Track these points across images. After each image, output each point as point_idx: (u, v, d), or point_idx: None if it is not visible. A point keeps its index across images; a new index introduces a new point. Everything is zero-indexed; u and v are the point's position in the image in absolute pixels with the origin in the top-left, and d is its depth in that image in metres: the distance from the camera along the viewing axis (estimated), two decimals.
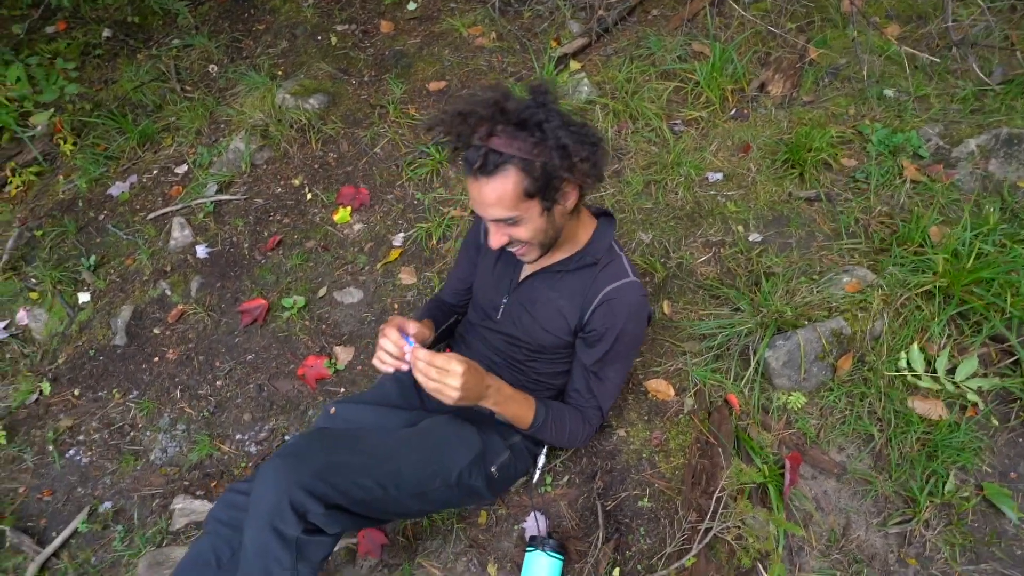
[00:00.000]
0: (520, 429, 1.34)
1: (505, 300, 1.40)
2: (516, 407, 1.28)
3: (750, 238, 1.92)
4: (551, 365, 1.41)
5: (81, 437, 1.81)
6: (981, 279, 1.60)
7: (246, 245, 2.23)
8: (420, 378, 1.13)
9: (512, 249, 1.23)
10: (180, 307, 2.08)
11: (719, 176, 2.08)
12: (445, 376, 1.10)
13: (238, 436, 1.78)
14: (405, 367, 1.17)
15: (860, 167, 2.05)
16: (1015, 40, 2.37)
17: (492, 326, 1.44)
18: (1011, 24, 2.43)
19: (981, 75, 2.24)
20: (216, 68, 2.90)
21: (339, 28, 2.95)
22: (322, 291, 2.07)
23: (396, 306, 1.99)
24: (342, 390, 1.83)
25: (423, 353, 1.13)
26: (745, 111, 2.29)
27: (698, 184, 2.07)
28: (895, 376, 1.52)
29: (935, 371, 1.52)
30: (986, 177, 1.97)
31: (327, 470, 1.13)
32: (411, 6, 2.97)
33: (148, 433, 1.80)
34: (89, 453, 1.78)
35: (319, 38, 2.91)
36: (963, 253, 1.66)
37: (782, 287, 1.68)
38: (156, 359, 1.97)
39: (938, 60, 2.20)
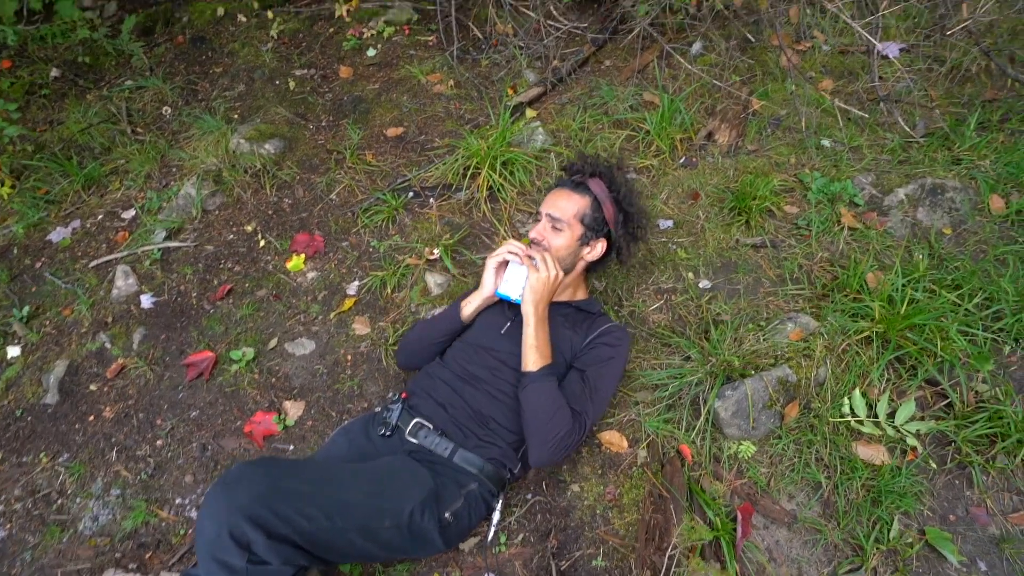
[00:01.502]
0: (527, 368, 1.43)
1: (510, 323, 1.57)
2: (546, 339, 1.47)
3: (700, 285, 1.96)
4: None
5: (0, 507, 1.68)
6: (914, 324, 1.67)
7: (194, 294, 2.16)
8: (533, 253, 1.51)
9: (532, 253, 1.54)
10: (120, 361, 1.98)
11: (670, 224, 2.14)
12: (546, 263, 1.48)
13: (178, 500, 1.69)
14: (527, 260, 1.50)
15: (802, 214, 2.14)
16: (934, 97, 2.56)
17: (487, 348, 1.54)
18: (929, 82, 2.62)
19: (906, 128, 2.40)
20: (170, 110, 2.85)
21: (298, 73, 2.95)
22: (273, 342, 2.01)
23: (349, 357, 1.95)
24: (291, 447, 1.76)
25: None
26: (694, 159, 2.38)
27: (650, 231, 2.12)
28: (839, 422, 1.56)
29: (876, 416, 1.57)
30: (915, 224, 2.08)
31: (269, 496, 1.08)
32: (370, 52, 3.00)
33: (78, 500, 1.68)
34: (8, 525, 1.65)
35: (277, 82, 2.91)
36: (897, 299, 1.73)
37: (730, 335, 1.71)
38: (91, 418, 1.86)
39: (867, 115, 2.34)
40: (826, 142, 2.41)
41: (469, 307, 1.62)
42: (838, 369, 1.65)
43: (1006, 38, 2.77)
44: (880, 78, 2.47)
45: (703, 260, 2.03)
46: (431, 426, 1.48)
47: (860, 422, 1.56)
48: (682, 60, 2.45)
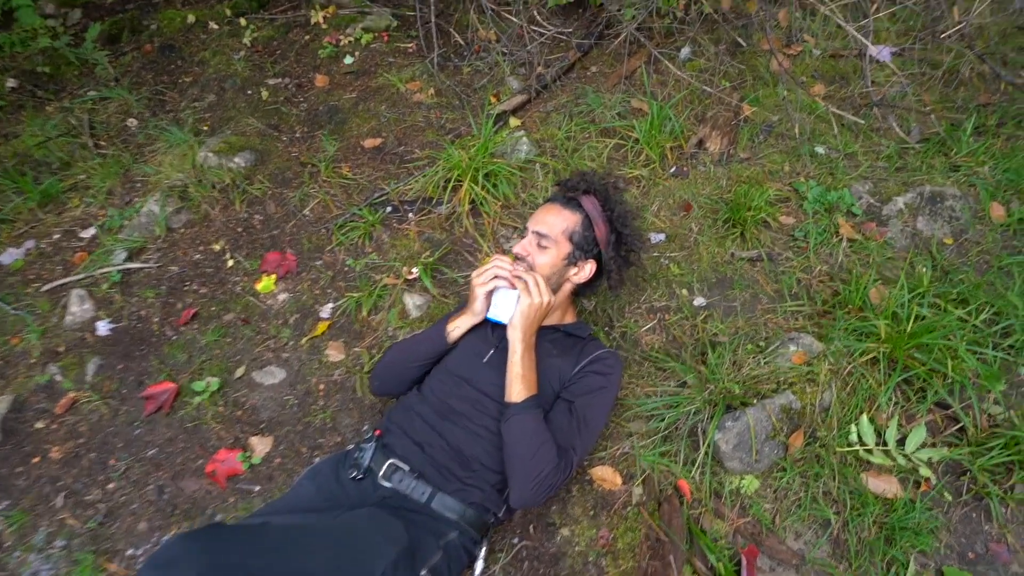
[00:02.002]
0: (511, 399, 1.30)
1: (494, 350, 1.43)
2: (532, 368, 1.34)
3: (695, 303, 1.84)
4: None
5: None
6: (921, 344, 1.56)
7: (156, 319, 2.00)
8: (523, 275, 1.37)
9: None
10: (72, 395, 1.81)
11: (661, 237, 2.02)
12: (538, 288, 1.35)
13: (130, 551, 1.52)
14: (516, 284, 1.37)
15: (799, 225, 2.03)
16: (927, 101, 2.47)
17: (467, 379, 1.41)
18: (922, 86, 2.53)
19: (901, 134, 2.30)
20: (136, 122, 2.69)
21: (271, 82, 2.80)
22: (240, 371, 1.85)
23: (322, 387, 1.80)
24: (257, 488, 1.61)
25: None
26: (685, 168, 2.26)
27: (644, 252, 2.00)
28: (847, 452, 1.44)
29: (885, 443, 1.45)
30: (915, 234, 1.98)
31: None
32: (348, 60, 2.86)
33: (16, 554, 1.51)
34: None
35: (249, 92, 2.75)
36: (902, 316, 1.62)
37: (728, 357, 1.59)
38: (36, 459, 1.69)
39: (862, 121, 2.24)
40: (820, 149, 2.31)
41: (457, 331, 1.47)
42: (843, 393, 1.53)
43: (996, 40, 2.69)
44: (873, 82, 2.38)
45: (697, 276, 1.91)
46: (407, 468, 1.34)
47: (869, 451, 1.44)
48: (671, 66, 2.34)
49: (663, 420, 1.51)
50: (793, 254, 1.97)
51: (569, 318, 1.58)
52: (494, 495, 1.34)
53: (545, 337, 1.47)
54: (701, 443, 1.44)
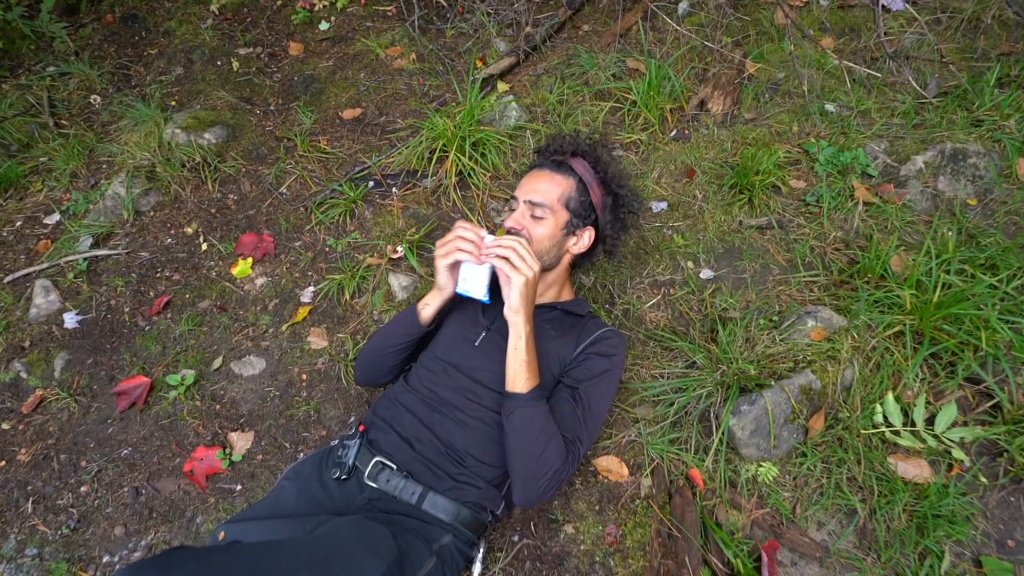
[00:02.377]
0: (515, 389, 1.15)
1: (485, 332, 1.30)
2: (535, 353, 1.18)
3: (701, 275, 1.69)
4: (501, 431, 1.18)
5: None
6: (950, 314, 1.42)
7: (127, 309, 1.85)
8: (502, 251, 1.16)
9: None
10: (39, 392, 1.68)
11: (663, 206, 1.86)
12: (525, 260, 1.16)
13: (106, 558, 1.41)
14: (483, 260, 1.18)
15: (810, 189, 1.87)
16: (944, 52, 2.28)
17: (457, 365, 1.27)
18: (938, 36, 2.34)
19: (918, 88, 2.12)
20: (99, 99, 2.48)
21: (242, 52, 2.59)
22: (217, 362, 1.71)
23: (304, 376, 1.66)
24: (238, 487, 1.49)
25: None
26: (686, 131, 2.09)
27: (642, 215, 1.84)
28: (872, 433, 1.31)
29: (913, 423, 1.33)
30: (937, 196, 1.82)
31: None
32: (323, 26, 2.64)
33: None
34: None
35: (219, 63, 2.54)
36: (927, 285, 1.48)
37: (740, 335, 1.45)
38: (2, 463, 1.56)
39: (877, 74, 2.06)
40: (830, 107, 2.13)
41: (428, 309, 1.32)
42: (866, 370, 1.39)
43: None
44: (886, 33, 2.19)
45: (703, 246, 1.76)
46: (394, 466, 1.21)
47: (896, 432, 1.32)
48: (669, 20, 2.14)
49: (672, 405, 1.38)
50: (805, 220, 1.81)
51: (566, 295, 1.43)
52: (491, 492, 1.22)
53: (541, 317, 1.33)
54: (714, 429, 1.32)
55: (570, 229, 1.33)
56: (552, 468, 1.11)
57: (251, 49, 2.59)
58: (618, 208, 1.38)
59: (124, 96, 2.45)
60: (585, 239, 1.36)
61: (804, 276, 1.65)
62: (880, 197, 1.82)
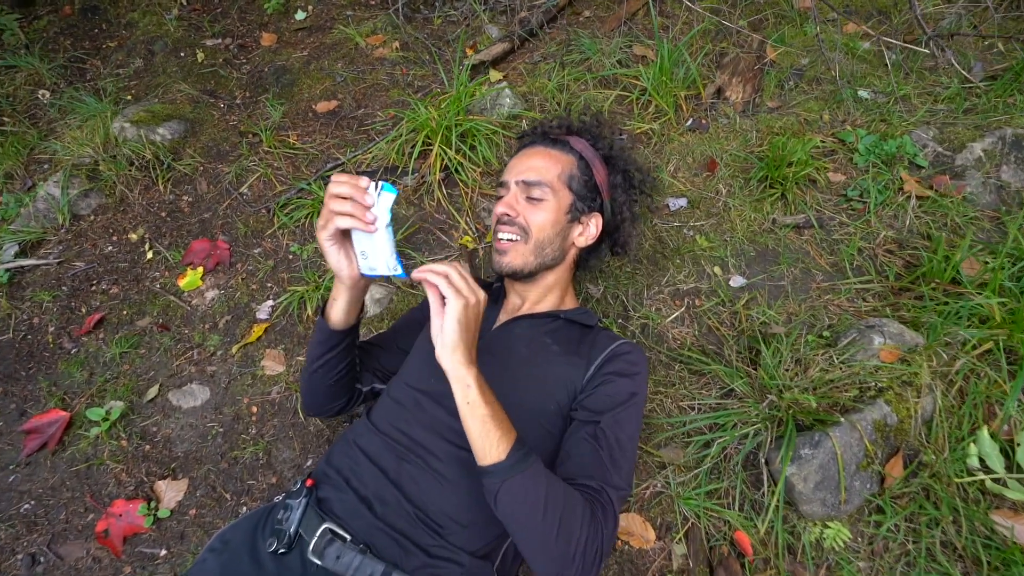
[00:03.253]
0: (488, 461, 0.78)
1: None
2: (494, 406, 0.80)
3: (732, 283, 1.39)
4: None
5: None
6: None
7: (51, 329, 1.54)
8: (431, 272, 0.80)
9: (502, 235, 1.03)
10: None
11: (682, 202, 1.57)
12: (466, 281, 0.80)
13: None
14: (372, 227, 0.80)
15: (851, 183, 1.58)
16: (985, 33, 2.01)
17: (429, 393, 0.96)
18: (977, 17, 2.08)
19: (962, 71, 1.85)
20: (48, 94, 2.20)
21: (209, 43, 2.31)
22: (152, 391, 1.40)
23: (255, 409, 1.35)
24: (163, 552, 1.16)
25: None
26: (703, 121, 1.81)
27: (658, 214, 1.55)
28: (968, 482, 1.01)
29: (1019, 467, 1.02)
30: (1002, 187, 1.53)
31: None
32: (299, 15, 2.37)
33: None
34: None
35: (182, 54, 2.27)
36: (1015, 292, 1.18)
37: (788, 355, 1.15)
38: None
39: (926, 51, 1.79)
40: (864, 93, 1.85)
41: (335, 306, 0.96)
42: (949, 398, 1.09)
43: None
44: (921, 13, 1.93)
45: (731, 249, 1.46)
46: (348, 536, 0.89)
47: (999, 480, 1.01)
48: None
49: (708, 446, 1.07)
50: (848, 218, 1.52)
51: (569, 303, 1.13)
52: (478, 568, 0.90)
53: (541, 328, 1.03)
54: (765, 478, 1.01)
55: (574, 215, 1.05)
56: (579, 540, 0.79)
57: (219, 40, 2.32)
58: (629, 190, 1.09)
59: (75, 91, 2.16)
60: (592, 228, 1.08)
61: (855, 282, 1.36)
62: (935, 190, 1.53)
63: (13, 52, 2.32)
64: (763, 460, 1.02)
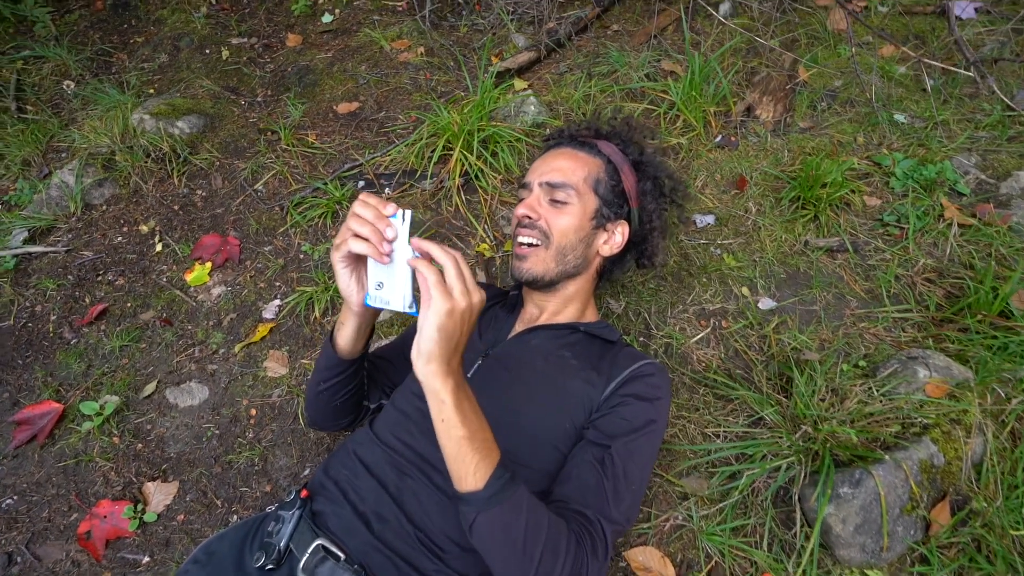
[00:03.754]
0: (465, 488, 0.70)
1: (481, 360, 0.96)
2: (476, 414, 0.72)
3: (761, 305, 1.32)
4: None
5: None
6: None
7: (53, 317, 1.50)
8: (425, 265, 0.69)
9: (522, 239, 0.97)
10: None
11: (710, 219, 1.51)
12: (463, 280, 0.70)
13: None
14: (386, 258, 0.73)
15: (888, 207, 1.51)
16: None
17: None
18: (1019, 45, 2.01)
19: (1004, 99, 1.78)
20: (72, 85, 2.21)
21: (234, 41, 2.32)
22: (150, 387, 1.35)
23: (254, 412, 1.29)
24: (145, 559, 1.10)
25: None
26: (733, 138, 1.75)
27: (684, 230, 1.49)
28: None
29: None
30: None
31: None
32: (326, 18, 2.37)
33: None
34: None
35: (207, 51, 2.27)
36: None
37: (823, 384, 1.07)
38: None
39: (970, 74, 1.72)
40: (900, 117, 1.79)
41: (343, 331, 0.90)
42: (1000, 439, 1.00)
43: None
44: (958, 41, 1.87)
45: (760, 269, 1.39)
46: (341, 555, 0.82)
47: None
48: (715, 13, 1.84)
49: (734, 478, 0.99)
50: (884, 243, 1.45)
51: (590, 315, 1.06)
52: None
53: (559, 340, 0.96)
54: (798, 516, 0.92)
55: (600, 221, 0.99)
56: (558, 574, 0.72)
57: (245, 39, 2.32)
58: (659, 198, 1.04)
59: (100, 83, 2.16)
60: (618, 237, 1.02)
61: (892, 311, 1.28)
62: (978, 218, 1.46)
63: (43, 43, 2.34)
64: (795, 497, 0.94)
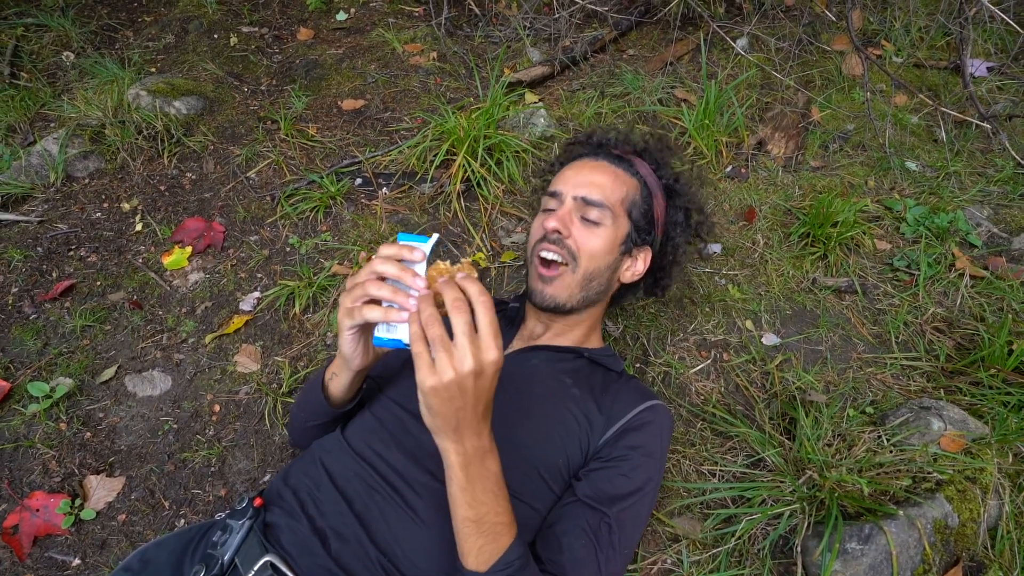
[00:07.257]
0: (472, 567, 0.63)
1: None
2: (489, 499, 0.63)
3: (764, 340, 1.27)
4: None
5: None
6: None
7: (14, 290, 1.41)
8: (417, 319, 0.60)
9: (546, 254, 0.89)
10: None
11: (716, 248, 1.46)
12: (485, 339, 0.58)
13: None
14: (405, 313, 0.63)
15: (899, 252, 1.48)
16: None
17: (418, 414, 0.70)
18: None
19: (1016, 156, 1.78)
20: (72, 56, 2.15)
21: (245, 29, 2.28)
22: (108, 372, 1.25)
23: (217, 408, 1.20)
24: (75, 561, 0.99)
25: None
26: (743, 170, 1.72)
27: (689, 257, 1.44)
28: None
29: None
30: None
31: None
32: (340, 16, 2.35)
33: None
34: None
35: (216, 36, 2.23)
36: None
37: (829, 428, 1.00)
38: None
39: (986, 125, 1.72)
40: (912, 164, 1.78)
41: (336, 381, 0.83)
42: (1016, 503, 0.94)
43: None
44: (970, 97, 1.88)
45: (766, 304, 1.34)
46: (291, 575, 0.74)
47: None
48: (733, 44, 1.83)
49: (731, 522, 0.91)
50: (894, 288, 1.41)
51: (595, 340, 1.00)
52: None
53: (560, 364, 0.90)
54: (799, 570, 0.84)
55: (627, 247, 0.93)
56: None
57: (255, 28, 2.29)
58: (687, 230, 0.98)
59: (100, 56, 2.11)
60: (640, 264, 0.96)
61: (901, 358, 1.23)
62: (990, 271, 1.42)
63: (48, 12, 2.29)
64: (797, 548, 0.86)
